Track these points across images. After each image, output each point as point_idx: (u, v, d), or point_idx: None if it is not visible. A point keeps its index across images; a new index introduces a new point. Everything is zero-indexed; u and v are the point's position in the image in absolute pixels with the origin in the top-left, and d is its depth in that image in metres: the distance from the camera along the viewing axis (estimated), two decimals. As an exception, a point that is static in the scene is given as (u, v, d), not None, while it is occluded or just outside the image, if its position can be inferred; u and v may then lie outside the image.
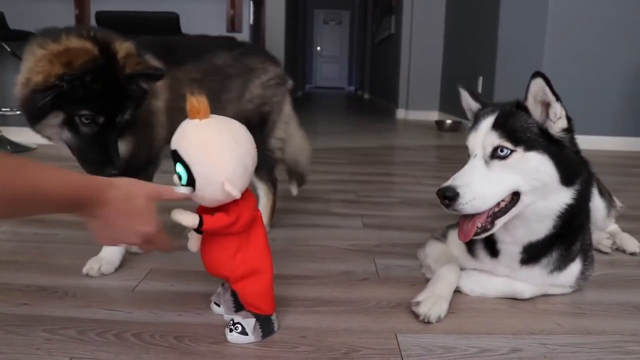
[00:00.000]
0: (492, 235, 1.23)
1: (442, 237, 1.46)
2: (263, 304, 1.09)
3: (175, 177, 1.01)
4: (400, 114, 6.48)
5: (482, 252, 1.32)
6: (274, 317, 1.11)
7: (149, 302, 1.26)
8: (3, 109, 3.51)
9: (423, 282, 1.38)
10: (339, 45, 15.87)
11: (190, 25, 3.37)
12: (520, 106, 1.18)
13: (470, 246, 1.34)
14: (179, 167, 0.97)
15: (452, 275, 1.31)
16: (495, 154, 1.15)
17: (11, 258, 1.41)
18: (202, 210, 1.04)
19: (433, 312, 1.19)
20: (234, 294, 1.15)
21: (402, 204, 2.25)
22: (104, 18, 3.06)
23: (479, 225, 1.17)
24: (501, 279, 1.30)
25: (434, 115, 6.12)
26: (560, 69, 3.76)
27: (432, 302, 1.21)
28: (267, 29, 5.79)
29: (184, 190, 0.98)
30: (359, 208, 2.14)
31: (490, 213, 1.17)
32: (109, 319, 1.17)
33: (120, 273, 1.42)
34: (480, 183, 1.14)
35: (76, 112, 1.20)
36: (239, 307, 1.14)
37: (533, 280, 1.28)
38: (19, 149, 3.37)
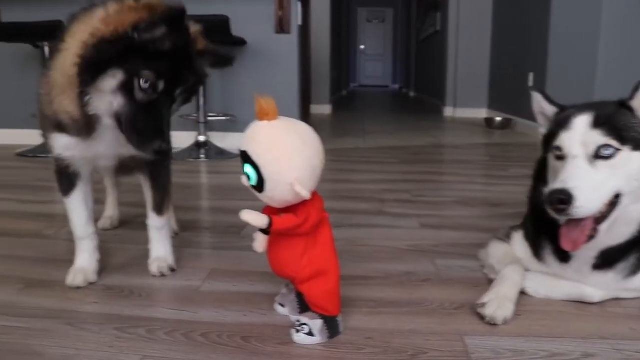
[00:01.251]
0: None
1: (506, 237, 1.44)
2: (329, 305, 1.09)
3: (244, 178, 1.02)
4: (448, 111, 6.41)
5: (550, 256, 1.28)
6: (339, 319, 1.12)
7: (213, 302, 1.28)
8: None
9: (486, 283, 1.36)
10: (382, 43, 15.79)
11: (239, 28, 3.41)
12: (625, 105, 1.15)
13: (536, 249, 1.31)
14: (248, 168, 0.98)
15: (517, 276, 1.29)
16: (598, 154, 1.11)
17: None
18: (269, 211, 1.05)
19: (499, 314, 1.17)
20: (299, 295, 1.16)
21: (457, 204, 2.22)
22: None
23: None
24: (569, 282, 1.27)
25: (482, 113, 6.03)
26: (618, 62, 3.64)
27: (498, 303, 1.19)
28: (312, 29, 5.81)
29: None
30: (413, 208, 2.13)
31: (594, 218, 1.11)
32: (176, 318, 1.19)
33: (182, 273, 1.45)
34: (589, 185, 1.08)
35: (139, 70, 1.11)
36: (304, 308, 1.15)
37: (605, 286, 1.24)
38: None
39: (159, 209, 1.43)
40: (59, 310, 1.23)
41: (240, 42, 3.50)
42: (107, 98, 1.14)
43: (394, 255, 1.60)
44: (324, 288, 1.07)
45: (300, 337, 1.08)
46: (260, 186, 0.98)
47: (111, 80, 1.11)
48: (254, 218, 0.99)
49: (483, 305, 1.19)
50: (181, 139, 3.23)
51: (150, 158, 1.28)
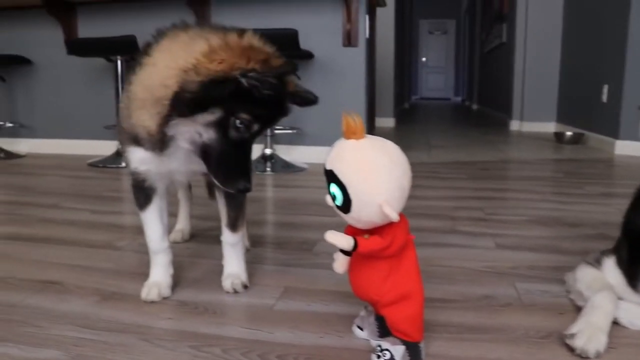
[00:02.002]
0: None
1: (596, 262, 1.35)
2: (412, 331, 1.04)
3: (329, 198, 0.99)
4: (515, 125, 6.23)
5: (649, 285, 1.19)
6: (422, 345, 1.06)
7: (288, 322, 1.25)
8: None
9: (572, 310, 1.28)
10: (444, 55, 15.62)
11: (306, 41, 3.41)
12: None
13: (632, 277, 1.22)
14: (334, 188, 0.95)
15: (609, 304, 1.20)
16: None
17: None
18: (351, 231, 1.01)
19: (591, 347, 1.09)
20: (378, 318, 1.11)
21: (533, 222, 2.12)
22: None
23: None
24: (668, 314, 1.18)
25: (551, 127, 5.84)
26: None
27: (589, 334, 1.11)
28: (377, 42, 5.78)
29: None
30: (488, 227, 2.05)
31: None
32: (251, 338, 1.17)
33: (256, 290, 1.42)
34: None
35: (239, 113, 1.10)
36: (383, 332, 1.11)
37: None
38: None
39: (233, 226, 1.42)
40: (134, 324, 1.23)
41: (308, 56, 3.50)
42: (197, 129, 1.13)
43: (472, 276, 1.54)
44: (407, 312, 1.03)
45: (381, 364, 1.03)
46: (346, 207, 0.94)
47: (208, 116, 1.11)
48: (340, 240, 0.95)
49: (572, 336, 1.12)
50: (247, 152, 3.24)
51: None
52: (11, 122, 4.36)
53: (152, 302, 1.35)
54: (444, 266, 1.61)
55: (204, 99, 1.07)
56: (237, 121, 1.11)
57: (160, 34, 1.19)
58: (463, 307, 1.33)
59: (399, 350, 1.03)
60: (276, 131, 3.56)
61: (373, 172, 0.91)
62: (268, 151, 3.46)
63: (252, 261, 1.62)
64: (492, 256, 1.71)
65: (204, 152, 1.15)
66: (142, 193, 1.36)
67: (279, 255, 1.73)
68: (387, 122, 6.59)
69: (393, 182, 0.92)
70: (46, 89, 4.26)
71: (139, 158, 1.27)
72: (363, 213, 0.93)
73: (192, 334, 1.18)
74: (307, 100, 1.24)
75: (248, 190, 1.16)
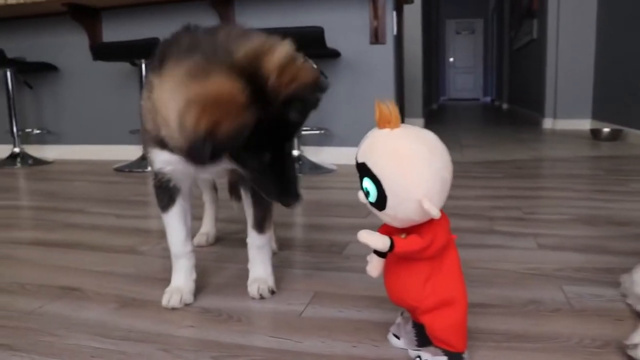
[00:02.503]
0: None
1: (655, 263, 1.24)
2: (455, 340, 0.94)
3: (361, 194, 0.90)
4: (547, 123, 6.05)
5: None
6: (466, 355, 0.96)
7: (318, 330, 1.16)
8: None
9: (631, 316, 1.17)
10: (472, 55, 15.39)
11: (333, 39, 3.33)
12: None
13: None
14: (367, 182, 0.86)
15: (673, 311, 1.09)
16: None
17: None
18: (386, 231, 0.92)
19: (658, 358, 0.97)
20: (416, 325, 1.02)
21: (576, 222, 2.00)
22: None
23: None
24: None
25: (585, 124, 5.65)
26: None
27: (653, 344, 1.00)
28: (405, 41, 5.68)
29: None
30: (528, 226, 1.93)
31: None
32: (278, 348, 1.08)
33: (283, 296, 1.34)
34: None
35: (237, 159, 1.04)
36: (422, 340, 1.01)
37: None
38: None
39: (260, 227, 1.33)
40: (153, 333, 1.16)
41: (335, 54, 3.41)
42: (222, 166, 1.09)
43: (513, 279, 1.43)
44: (449, 320, 0.93)
45: (421, 376, 0.94)
46: (380, 203, 0.85)
47: (217, 165, 1.04)
48: (374, 240, 0.86)
49: (635, 346, 1.00)
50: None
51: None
52: (39, 129, 4.36)
53: (173, 309, 1.27)
54: (483, 268, 1.51)
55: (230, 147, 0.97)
56: (247, 156, 1.02)
57: (171, 42, 1.10)
58: (507, 312, 1.23)
59: (441, 361, 0.93)
60: (303, 132, 3.48)
61: (410, 164, 0.82)
62: (296, 153, 3.38)
63: (280, 265, 1.53)
64: (535, 257, 1.60)
65: (243, 169, 1.09)
66: (166, 194, 1.29)
67: (308, 258, 1.64)
68: (416, 122, 6.46)
69: (433, 174, 0.82)
70: (72, 95, 4.26)
71: (164, 160, 1.19)
72: (400, 209, 0.84)
73: (215, 344, 1.10)
74: (307, 101, 1.05)
75: (293, 205, 1.08)
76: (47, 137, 4.37)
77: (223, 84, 0.92)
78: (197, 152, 0.92)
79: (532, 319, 1.19)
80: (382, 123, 0.86)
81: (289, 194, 1.06)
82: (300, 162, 3.35)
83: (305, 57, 1.03)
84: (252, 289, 1.33)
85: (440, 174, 0.83)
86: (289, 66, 0.98)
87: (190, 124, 0.91)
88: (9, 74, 4.05)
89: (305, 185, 2.96)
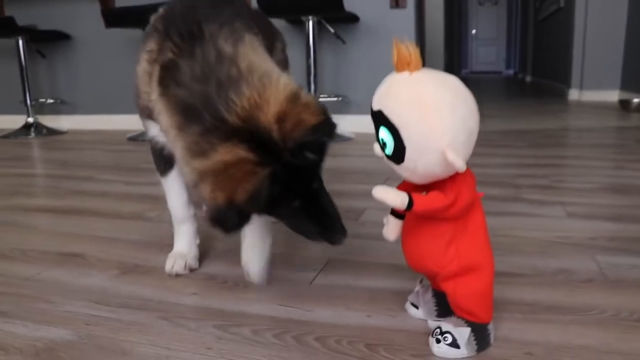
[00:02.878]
0: None
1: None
2: (480, 310, 0.85)
3: (377, 146, 0.80)
4: (573, 94, 5.84)
5: None
6: (491, 327, 0.87)
7: (330, 298, 1.07)
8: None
9: (671, 288, 1.07)
10: (495, 26, 14.98)
11: (351, 2, 3.20)
12: None
13: None
14: (383, 132, 0.76)
15: None
16: None
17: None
18: (405, 188, 0.82)
19: None
20: (437, 295, 0.93)
21: (607, 190, 1.88)
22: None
23: None
24: None
25: (613, 95, 5.44)
26: None
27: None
28: (426, 9, 5.51)
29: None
30: (556, 194, 1.82)
31: None
32: (286, 317, 1.00)
33: (294, 263, 1.26)
34: None
35: (267, 214, 0.94)
36: (442, 311, 0.92)
37: None
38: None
39: None
40: (154, 300, 1.08)
41: (353, 19, 3.28)
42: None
43: (542, 248, 1.33)
44: (474, 288, 0.84)
45: (441, 349, 0.85)
46: (398, 155, 0.75)
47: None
48: (392, 196, 0.76)
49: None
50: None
51: None
52: (52, 99, 4.31)
53: (177, 275, 1.20)
54: (509, 236, 1.41)
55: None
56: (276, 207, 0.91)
57: (159, 24, 1.02)
58: (535, 282, 1.13)
59: (463, 333, 0.84)
60: (321, 99, 3.37)
61: (432, 110, 0.71)
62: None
63: (292, 232, 1.44)
64: (565, 225, 1.50)
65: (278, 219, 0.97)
66: (162, 159, 1.20)
67: (321, 225, 1.56)
68: (436, 94, 6.30)
69: (458, 122, 0.72)
70: (86, 64, 4.18)
71: (158, 131, 1.09)
72: (420, 162, 0.74)
73: (219, 312, 1.02)
74: (316, 146, 0.91)
75: (340, 242, 0.95)
76: (61, 107, 4.32)
77: (226, 154, 0.83)
78: (222, 221, 0.86)
79: (563, 289, 1.10)
80: (401, 65, 0.76)
81: (332, 232, 0.93)
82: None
83: (306, 92, 0.90)
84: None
85: (466, 122, 0.73)
86: (288, 112, 0.85)
87: (207, 196, 0.85)
88: (20, 42, 3.97)
89: (331, 152, 2.87)
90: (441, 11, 6.25)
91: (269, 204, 0.86)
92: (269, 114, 0.84)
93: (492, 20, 14.95)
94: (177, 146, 0.92)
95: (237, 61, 0.91)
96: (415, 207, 0.77)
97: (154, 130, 1.13)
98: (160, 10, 1.09)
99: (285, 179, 0.85)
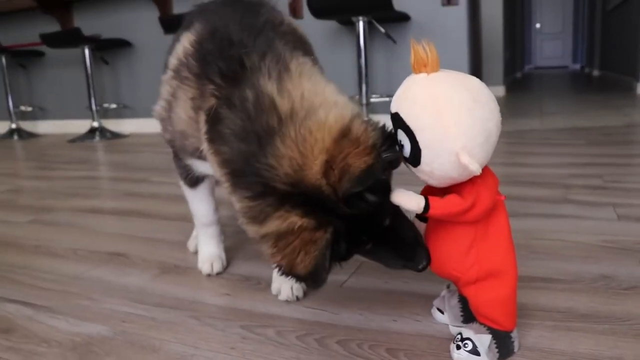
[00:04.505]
0: None
1: None
2: (502, 317, 0.83)
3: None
4: (642, 89, 5.58)
5: None
6: (514, 334, 0.85)
7: (358, 301, 1.07)
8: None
9: None
10: (561, 19, 14.50)
11: (402, 1, 3.18)
12: None
13: None
14: (401, 134, 0.76)
15: None
16: None
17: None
18: (429, 192, 0.82)
19: None
20: (463, 300, 0.92)
21: (666, 192, 1.79)
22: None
23: None
24: None
25: (686, 89, 5.17)
26: None
27: None
28: (483, 4, 5.39)
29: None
30: (608, 195, 1.75)
31: None
32: (312, 319, 1.01)
33: (328, 265, 1.26)
34: None
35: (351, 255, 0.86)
36: (468, 317, 0.91)
37: None
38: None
39: None
40: (188, 300, 1.12)
41: (404, 17, 3.26)
42: None
43: (585, 252, 1.28)
44: (496, 294, 0.82)
45: (461, 355, 0.83)
46: (414, 158, 0.75)
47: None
48: (408, 200, 0.76)
49: None
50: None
51: None
52: (115, 104, 4.48)
53: (209, 275, 1.23)
54: (551, 240, 1.36)
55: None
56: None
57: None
58: (573, 289, 1.09)
59: (484, 340, 0.82)
60: (372, 100, 3.36)
61: (447, 112, 0.71)
62: (363, 121, 3.28)
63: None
64: (614, 229, 1.44)
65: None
66: (193, 178, 1.19)
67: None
68: (496, 90, 6.14)
69: (475, 124, 0.71)
70: (146, 70, 4.33)
71: (208, 169, 1.05)
72: (436, 165, 0.73)
73: (247, 313, 1.04)
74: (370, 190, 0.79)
75: (423, 269, 0.87)
76: (124, 112, 4.48)
77: (281, 223, 0.78)
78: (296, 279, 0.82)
79: (602, 296, 1.05)
80: (418, 67, 0.75)
81: (413, 262, 0.86)
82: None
83: (360, 121, 0.81)
84: (284, 288, 1.11)
85: (484, 124, 0.72)
86: (336, 157, 0.76)
87: (269, 259, 0.82)
88: (86, 51, 4.16)
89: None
90: (500, 6, 6.09)
91: (344, 256, 0.82)
92: (314, 169, 0.76)
93: (557, 12, 14.47)
94: (233, 200, 0.87)
95: (277, 105, 0.83)
96: (432, 211, 0.76)
97: (203, 168, 1.09)
98: (189, 36, 1.01)
99: (350, 230, 0.79)
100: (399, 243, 0.86)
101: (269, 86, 0.85)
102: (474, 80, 0.76)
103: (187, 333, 0.97)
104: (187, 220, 1.70)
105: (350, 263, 1.25)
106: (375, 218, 0.81)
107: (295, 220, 0.76)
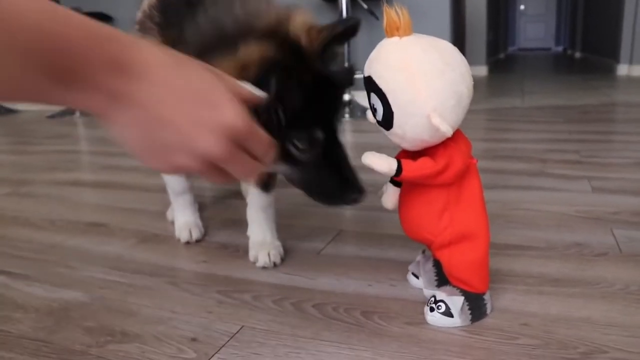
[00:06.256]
0: None
1: None
2: (474, 279, 0.85)
3: (369, 113, 0.81)
4: (622, 69, 5.63)
5: None
6: (486, 297, 0.87)
7: (335, 267, 1.08)
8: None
9: (689, 263, 1.04)
10: (544, 2, 14.55)
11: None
12: None
13: None
14: (374, 98, 0.76)
15: None
16: None
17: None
18: (404, 156, 0.83)
19: None
20: (437, 264, 0.93)
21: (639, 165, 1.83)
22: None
23: None
24: None
25: (665, 70, 5.23)
26: None
27: None
28: (467, -17, 5.38)
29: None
30: (583, 169, 1.77)
31: None
32: (288, 284, 1.02)
33: (306, 233, 1.27)
34: None
35: (287, 139, 0.82)
36: (442, 280, 0.92)
37: None
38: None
39: (266, 185, 1.17)
40: (165, 267, 1.12)
41: (385, -7, 3.25)
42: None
43: (560, 222, 1.30)
44: (468, 256, 0.83)
45: (434, 318, 0.85)
46: (387, 121, 0.75)
47: None
48: (379, 162, 0.77)
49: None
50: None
51: None
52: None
53: (188, 243, 1.24)
54: (527, 210, 1.39)
55: None
56: (295, 145, 0.83)
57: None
58: (546, 255, 1.11)
59: (456, 302, 0.84)
60: (355, 76, 3.35)
61: (419, 74, 0.71)
62: (346, 97, 3.28)
63: (307, 203, 1.46)
64: (588, 200, 1.46)
65: (291, 182, 0.92)
66: None
67: (339, 198, 1.57)
68: (478, 70, 6.16)
69: (446, 86, 0.72)
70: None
71: None
72: (407, 127, 0.74)
73: (225, 279, 1.05)
74: (341, 36, 0.89)
75: (357, 201, 0.89)
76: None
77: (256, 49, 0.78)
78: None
79: (574, 262, 1.08)
80: (391, 30, 0.76)
81: (352, 189, 0.87)
82: (351, 106, 3.25)
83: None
84: (261, 255, 1.11)
85: (456, 87, 0.73)
86: (314, 25, 0.84)
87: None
88: (65, 23, 4.08)
89: (355, 129, 2.87)
90: (483, -15, 6.10)
91: (293, 123, 0.79)
92: (297, 24, 0.82)
93: (541, -6, 14.51)
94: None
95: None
96: (404, 173, 0.77)
97: None
98: None
99: (312, 95, 0.81)
100: (341, 166, 0.88)
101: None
102: (446, 44, 0.77)
103: (165, 298, 0.98)
104: (166, 192, 1.70)
105: (328, 231, 1.27)
106: (332, 103, 0.86)
107: (267, 50, 0.78)
